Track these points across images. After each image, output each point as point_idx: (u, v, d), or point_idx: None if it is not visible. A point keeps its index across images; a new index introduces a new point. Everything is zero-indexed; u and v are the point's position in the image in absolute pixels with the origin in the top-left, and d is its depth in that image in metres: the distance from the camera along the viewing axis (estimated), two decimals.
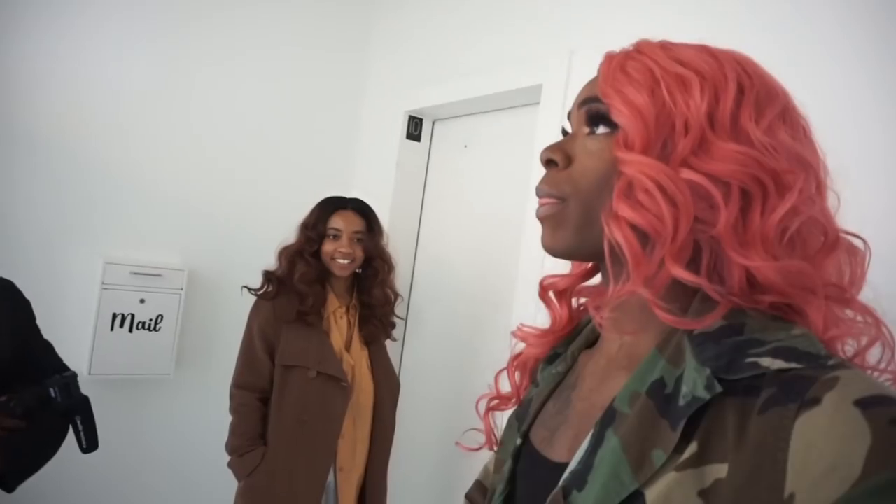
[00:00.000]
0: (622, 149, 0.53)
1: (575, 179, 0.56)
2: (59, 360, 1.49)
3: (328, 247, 1.83)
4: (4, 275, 1.44)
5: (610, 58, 0.59)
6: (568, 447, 0.57)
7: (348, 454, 1.80)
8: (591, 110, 0.57)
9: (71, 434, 1.42)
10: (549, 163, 0.59)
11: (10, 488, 1.33)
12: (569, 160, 0.58)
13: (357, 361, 1.85)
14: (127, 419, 2.26)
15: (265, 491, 1.72)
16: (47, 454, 1.39)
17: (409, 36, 2.49)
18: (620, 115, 0.53)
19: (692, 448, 0.46)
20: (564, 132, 0.64)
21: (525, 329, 0.71)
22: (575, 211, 0.56)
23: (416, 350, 2.38)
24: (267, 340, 1.78)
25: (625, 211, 0.51)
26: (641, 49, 0.57)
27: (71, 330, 2.08)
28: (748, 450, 0.43)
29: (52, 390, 1.35)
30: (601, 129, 0.57)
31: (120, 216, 2.22)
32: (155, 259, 2.23)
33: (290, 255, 1.83)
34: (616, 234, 0.51)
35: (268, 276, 1.84)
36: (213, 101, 2.38)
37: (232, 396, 1.82)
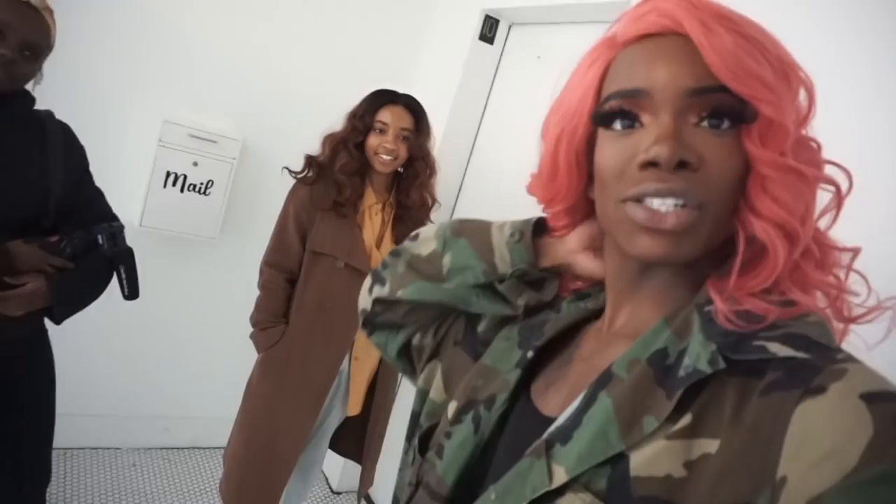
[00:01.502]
0: (762, 147, 0.48)
1: (713, 185, 0.48)
2: (109, 208, 1.55)
3: (373, 140, 1.78)
4: (66, 121, 1.47)
5: (704, 24, 0.48)
6: (559, 403, 0.56)
7: (364, 344, 1.85)
8: (719, 103, 0.48)
9: (115, 280, 1.50)
10: (680, 165, 0.48)
11: (57, 321, 1.43)
12: (701, 161, 0.48)
13: None
14: (170, 274, 2.38)
15: (281, 366, 1.80)
16: (91, 294, 1.48)
17: None
18: (770, 107, 0.47)
19: (686, 419, 0.46)
20: (620, 113, 0.52)
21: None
22: (712, 219, 0.49)
23: None
24: (300, 224, 1.79)
25: (772, 210, 0.48)
26: (734, 19, 0.50)
27: (126, 182, 2.15)
28: (743, 429, 0.43)
29: (99, 237, 1.42)
30: (727, 125, 0.49)
31: (184, 79, 2.22)
32: (212, 125, 2.24)
33: (333, 143, 1.80)
34: (763, 233, 0.49)
35: (309, 161, 1.83)
36: None
37: (261, 272, 1.85)
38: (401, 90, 1.88)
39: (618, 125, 0.52)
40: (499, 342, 0.68)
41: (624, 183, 0.51)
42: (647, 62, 0.51)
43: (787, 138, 0.48)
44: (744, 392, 0.44)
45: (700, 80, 0.48)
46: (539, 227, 0.69)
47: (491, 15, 2.28)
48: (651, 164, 0.48)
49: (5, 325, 1.32)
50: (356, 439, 1.97)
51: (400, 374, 1.93)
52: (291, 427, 1.83)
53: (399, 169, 1.88)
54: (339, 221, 1.78)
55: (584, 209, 0.64)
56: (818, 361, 0.43)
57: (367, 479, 1.98)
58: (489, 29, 2.30)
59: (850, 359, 0.43)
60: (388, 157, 1.78)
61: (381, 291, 0.77)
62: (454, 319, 0.75)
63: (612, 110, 0.52)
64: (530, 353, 0.63)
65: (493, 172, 2.28)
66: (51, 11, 1.31)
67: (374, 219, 1.86)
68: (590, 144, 0.57)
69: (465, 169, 2.41)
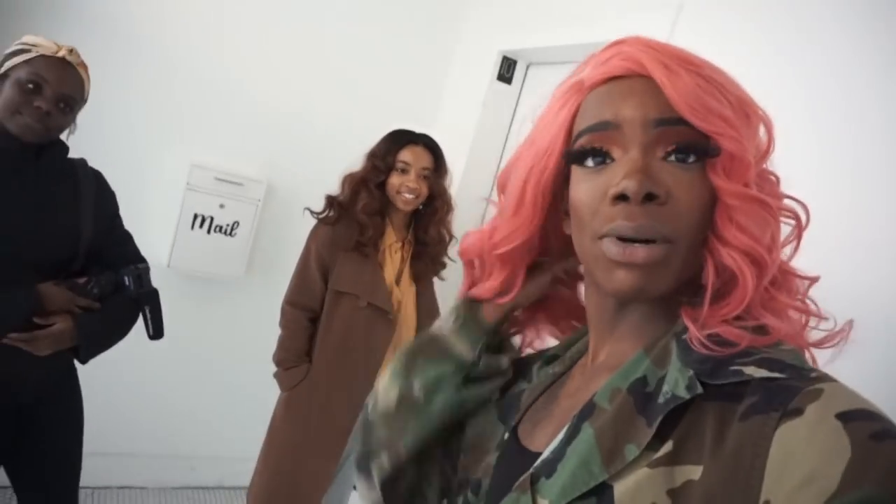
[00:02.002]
0: (727, 179, 0.50)
1: (681, 218, 0.50)
2: (137, 250, 1.60)
3: (395, 180, 1.81)
4: (98, 167, 1.54)
5: (665, 66, 0.51)
6: (546, 440, 0.56)
7: None
8: (684, 137, 0.50)
9: (140, 321, 1.54)
10: (648, 197, 0.49)
11: (83, 360, 1.47)
12: (668, 194, 0.50)
13: (405, 296, 1.88)
14: (196, 313, 2.43)
15: (304, 405, 1.82)
16: (116, 334, 1.52)
17: None
18: (731, 142, 0.49)
19: (667, 447, 0.46)
20: (591, 151, 0.53)
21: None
22: (682, 253, 0.51)
23: None
24: (322, 264, 1.82)
25: (739, 239, 0.50)
26: (694, 61, 0.52)
27: (156, 224, 2.22)
28: (725, 454, 0.43)
29: (126, 278, 1.46)
30: (692, 159, 0.50)
31: (210, 123, 2.31)
32: (238, 168, 2.32)
33: (354, 183, 1.84)
34: (730, 260, 0.50)
35: (330, 201, 1.86)
36: (310, 22, 2.38)
37: (283, 312, 1.87)
38: (422, 130, 1.93)
39: (590, 162, 0.54)
40: (485, 412, 0.68)
41: (598, 220, 0.52)
42: (614, 99, 0.53)
43: (748, 170, 0.50)
44: (723, 417, 0.45)
45: (664, 112, 0.51)
46: (472, 301, 0.70)
47: (508, 56, 2.33)
48: (621, 198, 0.50)
49: (35, 365, 1.36)
50: None
51: None
52: (314, 467, 1.83)
53: (418, 207, 1.91)
54: (361, 260, 1.81)
55: (535, 248, 0.65)
56: (794, 382, 0.43)
57: None
58: (507, 69, 2.34)
59: (824, 378, 0.44)
60: (411, 196, 1.81)
61: (382, 471, 0.68)
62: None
63: (582, 147, 0.54)
64: (506, 434, 0.63)
65: None
66: (85, 67, 1.39)
67: (393, 257, 1.88)
68: (556, 183, 0.59)
69: (486, 206, 2.43)
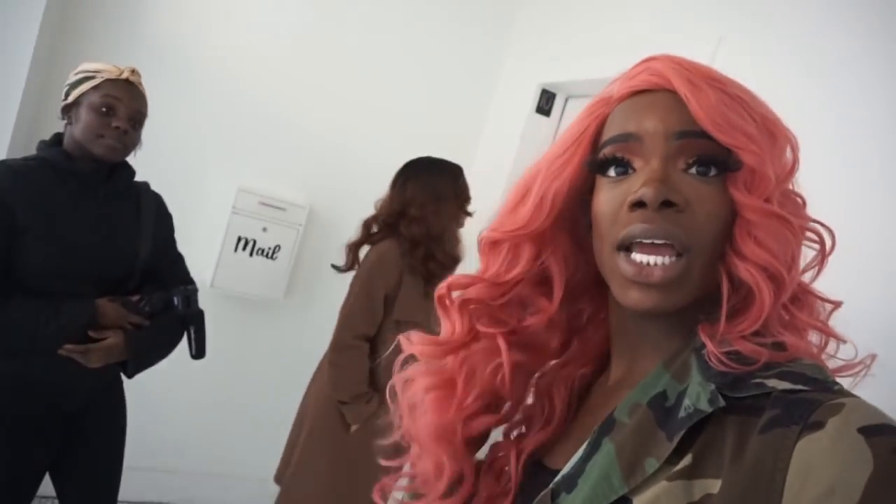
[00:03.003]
0: (747, 194, 0.50)
1: (699, 229, 0.50)
2: (187, 271, 1.66)
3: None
4: (156, 190, 1.62)
5: (690, 81, 0.52)
6: (565, 456, 0.56)
7: None
8: (705, 150, 0.51)
9: (184, 340, 1.59)
10: (666, 204, 0.49)
11: (129, 374, 1.52)
12: (687, 203, 0.50)
13: None
14: (237, 333, 2.48)
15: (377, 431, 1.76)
16: (163, 351, 1.57)
17: (554, 7, 2.42)
18: (752, 157, 0.49)
19: (686, 460, 0.46)
20: (613, 161, 0.54)
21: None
22: (699, 267, 0.50)
23: None
24: (388, 291, 1.81)
25: (757, 254, 0.49)
26: (720, 79, 0.53)
27: (202, 246, 2.29)
28: (745, 468, 0.42)
29: (175, 298, 1.52)
30: (713, 172, 0.51)
31: (257, 149, 2.40)
32: (281, 193, 2.39)
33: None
34: (747, 275, 0.49)
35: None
36: (357, 54, 2.47)
37: (352, 347, 1.83)
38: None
39: (612, 172, 0.55)
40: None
41: (616, 227, 0.53)
42: (638, 112, 0.54)
43: (769, 186, 0.50)
44: (743, 431, 0.44)
45: (686, 125, 0.51)
46: None
47: (547, 89, 2.37)
48: (639, 205, 0.50)
49: (85, 377, 1.41)
50: None
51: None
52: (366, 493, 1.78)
53: None
54: (425, 288, 1.80)
55: (545, 242, 0.61)
56: (815, 395, 0.43)
57: None
58: (546, 102, 2.38)
59: (846, 393, 0.44)
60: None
61: None
62: None
63: (605, 157, 0.55)
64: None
65: None
66: (142, 84, 1.48)
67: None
68: (570, 190, 0.58)
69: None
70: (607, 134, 0.56)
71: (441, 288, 0.62)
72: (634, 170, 0.53)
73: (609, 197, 0.54)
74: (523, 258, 0.60)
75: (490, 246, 0.62)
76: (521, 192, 0.60)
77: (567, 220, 0.60)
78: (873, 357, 0.51)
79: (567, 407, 0.64)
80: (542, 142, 2.41)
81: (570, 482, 0.51)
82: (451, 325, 0.61)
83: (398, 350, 0.62)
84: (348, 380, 1.85)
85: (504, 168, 2.38)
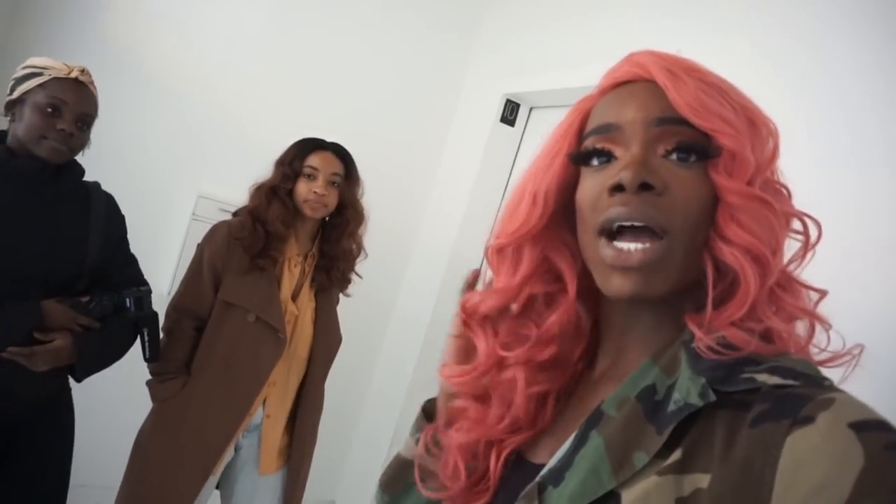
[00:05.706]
0: (728, 178, 0.50)
1: (678, 211, 0.50)
2: (140, 273, 1.61)
3: (302, 186, 1.70)
4: (112, 191, 1.57)
5: (669, 70, 0.53)
6: (551, 449, 0.56)
7: (277, 401, 1.73)
8: (685, 136, 0.51)
9: (138, 343, 1.54)
10: (644, 187, 0.50)
11: (78, 378, 1.46)
12: (665, 187, 0.51)
13: (302, 311, 1.76)
14: None
15: (176, 421, 1.65)
16: (114, 355, 1.51)
17: (519, 19, 2.46)
18: (730, 140, 0.50)
19: (676, 455, 0.45)
20: (595, 152, 0.55)
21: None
22: (679, 251, 0.50)
23: None
24: (215, 271, 1.69)
25: (742, 237, 0.49)
26: (699, 69, 0.54)
27: (160, 251, 2.24)
28: (735, 462, 0.42)
29: (127, 300, 1.47)
30: (693, 158, 0.51)
31: (216, 155, 2.36)
32: (242, 200, 2.34)
33: (265, 192, 1.72)
34: (731, 258, 0.49)
35: (239, 213, 1.77)
36: (318, 61, 2.46)
37: (167, 316, 1.71)
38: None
39: (595, 162, 0.56)
40: None
41: (596, 213, 0.53)
42: (618, 102, 0.56)
43: (750, 168, 0.51)
44: (733, 425, 0.44)
45: (665, 111, 0.53)
46: (428, 409, 0.70)
47: (512, 99, 2.40)
48: (618, 189, 0.51)
49: (31, 380, 1.35)
50: (272, 499, 1.80)
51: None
52: (181, 485, 1.66)
53: (325, 218, 1.82)
54: (256, 272, 1.68)
55: (545, 239, 0.62)
56: (805, 390, 0.43)
57: None
58: (510, 112, 2.41)
59: (836, 388, 0.44)
60: (318, 203, 1.70)
61: None
62: None
63: (587, 149, 0.56)
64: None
65: None
66: (93, 83, 1.43)
67: (293, 270, 1.77)
68: (560, 184, 0.59)
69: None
70: (590, 126, 0.57)
71: (461, 311, 0.63)
72: (616, 158, 0.54)
73: (591, 185, 0.55)
74: (527, 258, 0.60)
75: (496, 254, 0.62)
76: (518, 194, 0.61)
77: (564, 216, 0.60)
78: (861, 347, 0.51)
79: (555, 403, 0.63)
80: (507, 151, 2.43)
81: (558, 476, 0.51)
82: (482, 347, 0.61)
83: (225, 331, 0.64)
84: None
85: (468, 176, 2.40)
